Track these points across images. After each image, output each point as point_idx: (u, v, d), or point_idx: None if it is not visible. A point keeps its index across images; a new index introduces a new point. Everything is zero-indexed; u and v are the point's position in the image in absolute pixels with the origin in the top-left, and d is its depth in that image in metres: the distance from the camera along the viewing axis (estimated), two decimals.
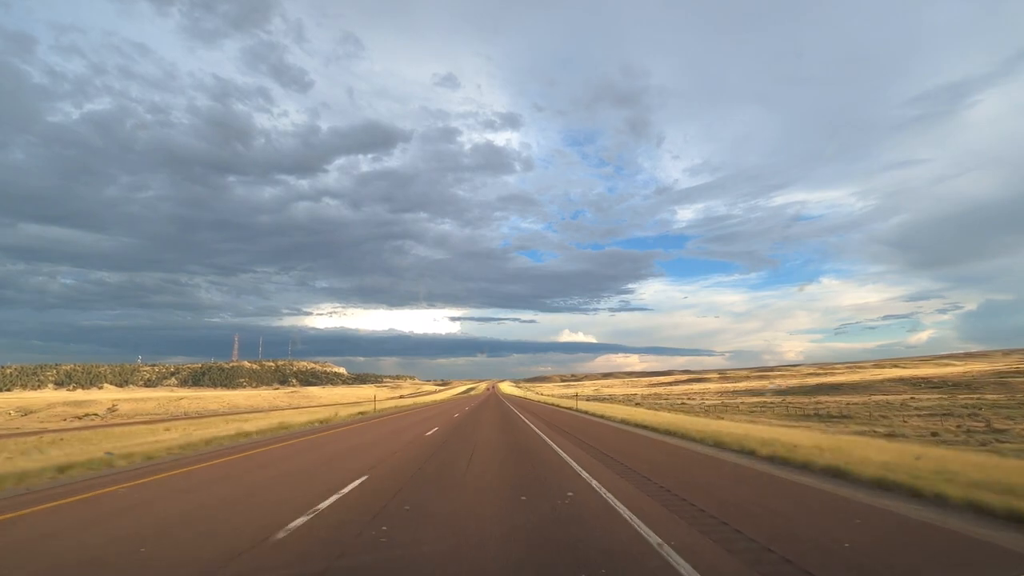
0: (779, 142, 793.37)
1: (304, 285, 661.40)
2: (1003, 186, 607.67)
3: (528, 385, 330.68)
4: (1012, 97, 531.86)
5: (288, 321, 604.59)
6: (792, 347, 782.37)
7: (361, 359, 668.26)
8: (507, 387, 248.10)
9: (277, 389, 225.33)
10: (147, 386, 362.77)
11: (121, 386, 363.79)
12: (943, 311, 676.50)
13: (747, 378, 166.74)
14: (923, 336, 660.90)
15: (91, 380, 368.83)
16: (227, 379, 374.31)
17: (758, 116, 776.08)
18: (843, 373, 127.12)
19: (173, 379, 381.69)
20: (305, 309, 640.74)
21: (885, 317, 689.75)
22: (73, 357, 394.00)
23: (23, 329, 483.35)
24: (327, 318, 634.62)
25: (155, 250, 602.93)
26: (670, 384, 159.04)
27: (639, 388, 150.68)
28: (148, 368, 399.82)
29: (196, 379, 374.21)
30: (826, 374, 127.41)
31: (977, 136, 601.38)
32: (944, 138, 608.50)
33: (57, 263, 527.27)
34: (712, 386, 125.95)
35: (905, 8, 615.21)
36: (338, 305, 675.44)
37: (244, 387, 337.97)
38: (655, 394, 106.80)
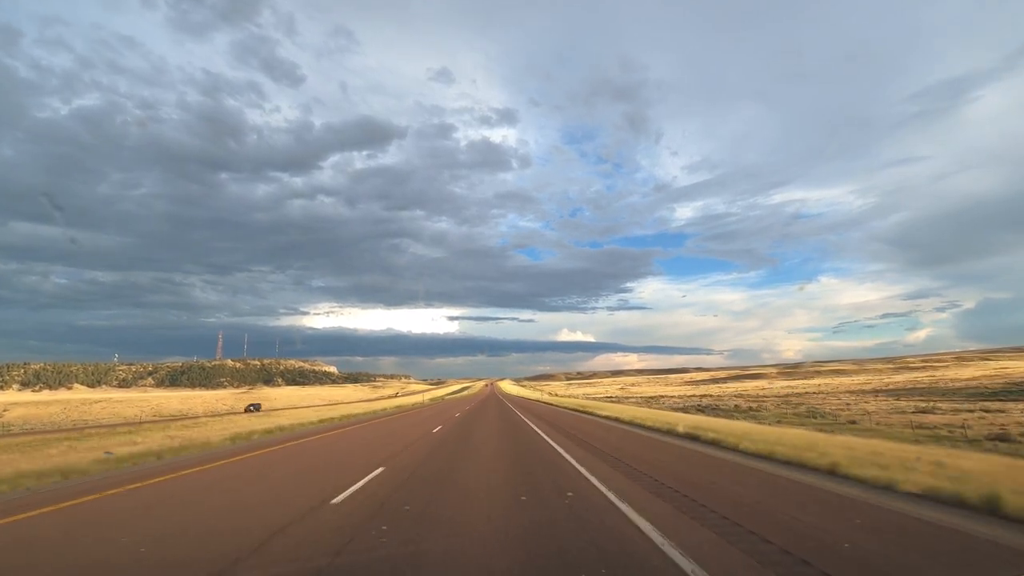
0: (778, 139, 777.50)
1: (300, 284, 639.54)
2: (1003, 184, 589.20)
3: (532, 383, 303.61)
4: (1013, 94, 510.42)
5: (286, 321, 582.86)
6: (791, 345, 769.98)
7: (360, 359, 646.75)
8: (509, 386, 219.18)
9: (235, 390, 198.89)
10: (121, 386, 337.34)
11: (93, 386, 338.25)
12: (941, 309, 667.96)
13: (816, 374, 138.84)
14: (921, 335, 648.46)
15: (60, 380, 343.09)
16: (207, 378, 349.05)
17: (757, 113, 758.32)
18: (952, 364, 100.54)
19: (150, 379, 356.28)
20: (302, 309, 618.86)
21: (884, 315, 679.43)
22: (68, 356, 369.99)
23: (22, 329, 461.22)
24: (324, 317, 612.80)
25: (149, 249, 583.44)
26: (710, 381, 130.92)
27: (682, 387, 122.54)
28: (124, 367, 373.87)
29: (174, 379, 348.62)
30: (928, 366, 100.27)
31: (977, 133, 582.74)
32: (944, 135, 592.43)
33: (50, 262, 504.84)
34: (793, 383, 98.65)
35: (904, 4, 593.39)
36: (335, 304, 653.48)
37: (225, 387, 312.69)
38: (743, 393, 78.14)
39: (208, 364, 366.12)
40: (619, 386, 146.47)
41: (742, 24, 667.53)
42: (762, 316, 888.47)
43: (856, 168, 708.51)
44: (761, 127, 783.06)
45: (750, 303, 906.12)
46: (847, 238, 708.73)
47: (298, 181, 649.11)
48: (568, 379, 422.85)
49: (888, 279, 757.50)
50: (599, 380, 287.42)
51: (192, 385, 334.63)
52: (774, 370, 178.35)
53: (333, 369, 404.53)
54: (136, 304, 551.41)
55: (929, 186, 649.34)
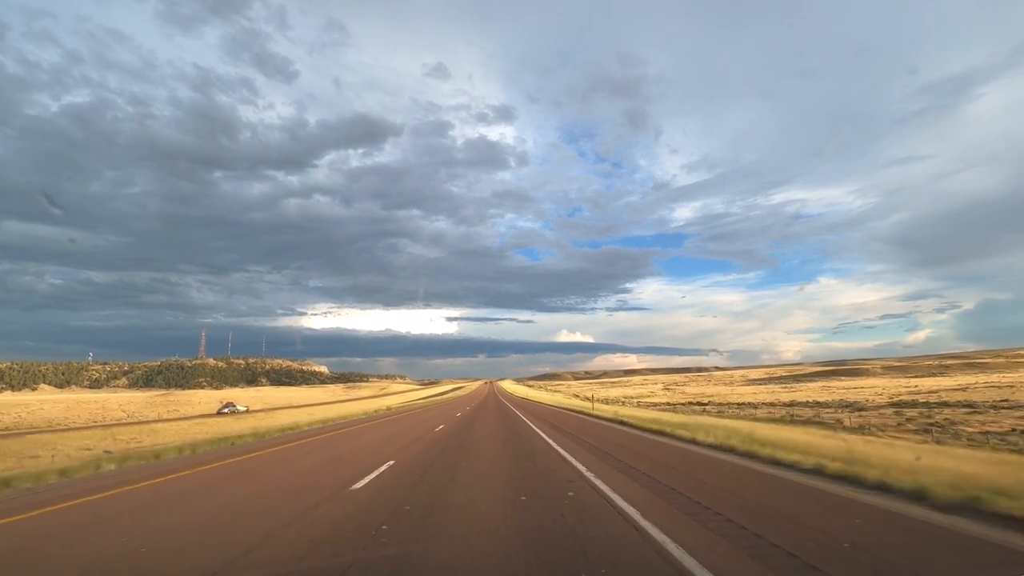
0: (778, 138, 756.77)
1: (297, 284, 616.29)
2: (1004, 183, 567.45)
3: (541, 383, 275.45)
4: (1015, 92, 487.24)
5: (283, 322, 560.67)
6: (790, 347, 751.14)
7: (358, 360, 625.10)
8: (512, 386, 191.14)
9: (159, 391, 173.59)
10: (92, 387, 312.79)
11: (62, 387, 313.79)
12: (941, 310, 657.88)
13: (945, 368, 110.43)
14: (920, 336, 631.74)
15: (27, 380, 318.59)
16: (185, 378, 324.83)
17: (757, 111, 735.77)
18: None
19: (124, 379, 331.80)
20: (299, 309, 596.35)
21: (883, 316, 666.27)
22: (64, 357, 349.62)
23: (18, 329, 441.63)
24: (322, 318, 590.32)
25: (144, 249, 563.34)
26: (789, 379, 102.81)
27: (758, 389, 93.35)
28: (98, 367, 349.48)
29: (149, 379, 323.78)
30: None
31: (979, 131, 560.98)
32: (946, 134, 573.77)
33: (44, 262, 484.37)
34: (933, 382, 72.35)
35: (906, 1, 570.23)
36: (333, 305, 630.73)
37: (203, 387, 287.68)
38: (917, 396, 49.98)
39: (188, 363, 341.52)
40: (660, 385, 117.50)
41: (742, 20, 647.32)
42: (761, 317, 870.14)
43: (856, 167, 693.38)
44: (761, 125, 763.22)
45: (749, 304, 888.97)
46: (847, 238, 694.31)
47: (294, 180, 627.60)
48: (575, 378, 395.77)
49: (888, 280, 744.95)
50: (624, 380, 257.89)
51: (168, 385, 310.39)
52: (878, 365, 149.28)
53: (323, 369, 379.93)
54: (133, 304, 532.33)
55: (929, 185, 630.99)
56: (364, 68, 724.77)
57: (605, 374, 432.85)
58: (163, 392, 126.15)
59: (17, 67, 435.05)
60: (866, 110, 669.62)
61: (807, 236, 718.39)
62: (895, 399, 54.51)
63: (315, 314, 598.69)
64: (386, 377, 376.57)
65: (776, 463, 8.69)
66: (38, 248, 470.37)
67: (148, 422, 38.21)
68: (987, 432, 27.09)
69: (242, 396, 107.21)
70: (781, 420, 29.66)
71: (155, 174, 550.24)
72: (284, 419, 26.46)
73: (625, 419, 20.36)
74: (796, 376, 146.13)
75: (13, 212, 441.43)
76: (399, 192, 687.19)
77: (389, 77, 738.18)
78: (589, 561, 3.94)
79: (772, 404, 55.02)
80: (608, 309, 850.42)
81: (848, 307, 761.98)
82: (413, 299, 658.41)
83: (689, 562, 3.90)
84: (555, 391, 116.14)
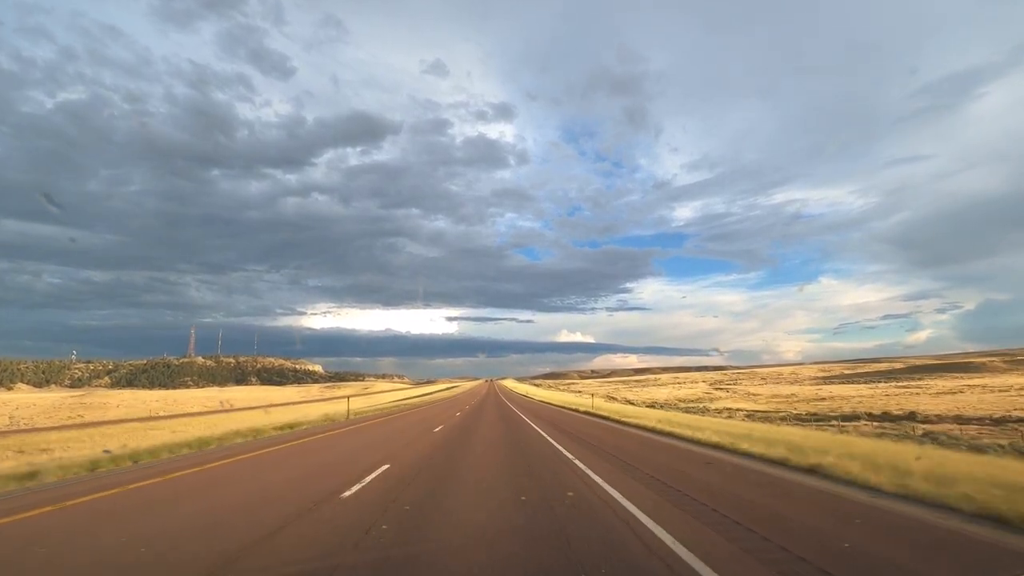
0: (779, 138, 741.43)
1: (296, 284, 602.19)
2: (1006, 182, 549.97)
3: (549, 382, 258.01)
4: (1017, 91, 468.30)
5: (283, 321, 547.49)
6: (791, 347, 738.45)
7: (359, 360, 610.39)
8: (520, 386, 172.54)
9: (75, 391, 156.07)
10: (73, 386, 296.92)
11: (40, 386, 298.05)
12: (942, 311, 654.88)
13: None
14: (921, 336, 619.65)
15: (4, 378, 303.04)
16: (171, 377, 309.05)
17: (758, 110, 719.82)
18: None
19: (107, 378, 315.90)
20: (299, 309, 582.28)
21: (884, 317, 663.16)
22: (61, 357, 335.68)
23: (17, 329, 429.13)
24: (322, 318, 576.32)
25: (142, 247, 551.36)
26: (875, 377, 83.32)
27: (905, 390, 71.59)
28: (81, 365, 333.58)
29: (132, 378, 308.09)
30: None
31: (981, 130, 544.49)
32: (947, 133, 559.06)
33: (41, 261, 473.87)
34: None
35: None
36: (332, 304, 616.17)
37: (189, 386, 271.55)
38: None
39: (175, 362, 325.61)
40: (704, 384, 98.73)
41: (742, 18, 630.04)
42: (762, 317, 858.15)
43: (857, 167, 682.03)
44: (761, 124, 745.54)
45: (750, 304, 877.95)
46: (847, 238, 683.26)
47: (291, 178, 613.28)
48: (582, 377, 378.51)
49: (888, 280, 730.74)
50: (645, 379, 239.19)
51: (151, 385, 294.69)
52: (997, 359, 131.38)
53: (318, 368, 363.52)
54: (132, 304, 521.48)
55: (930, 185, 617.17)
56: (362, 65, 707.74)
57: (613, 373, 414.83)
58: (81, 393, 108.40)
59: (11, 63, 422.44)
60: (867, 109, 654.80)
61: (808, 236, 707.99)
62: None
63: (315, 314, 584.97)
64: (383, 376, 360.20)
65: None
66: (36, 247, 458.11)
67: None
68: None
69: (191, 396, 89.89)
70: None
71: (152, 172, 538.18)
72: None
73: None
74: (871, 374, 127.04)
75: (10, 211, 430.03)
76: (397, 191, 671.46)
77: (387, 74, 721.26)
78: None
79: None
80: (608, 309, 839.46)
81: (849, 307, 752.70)
82: (413, 299, 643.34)
83: None
84: (577, 391, 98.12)
